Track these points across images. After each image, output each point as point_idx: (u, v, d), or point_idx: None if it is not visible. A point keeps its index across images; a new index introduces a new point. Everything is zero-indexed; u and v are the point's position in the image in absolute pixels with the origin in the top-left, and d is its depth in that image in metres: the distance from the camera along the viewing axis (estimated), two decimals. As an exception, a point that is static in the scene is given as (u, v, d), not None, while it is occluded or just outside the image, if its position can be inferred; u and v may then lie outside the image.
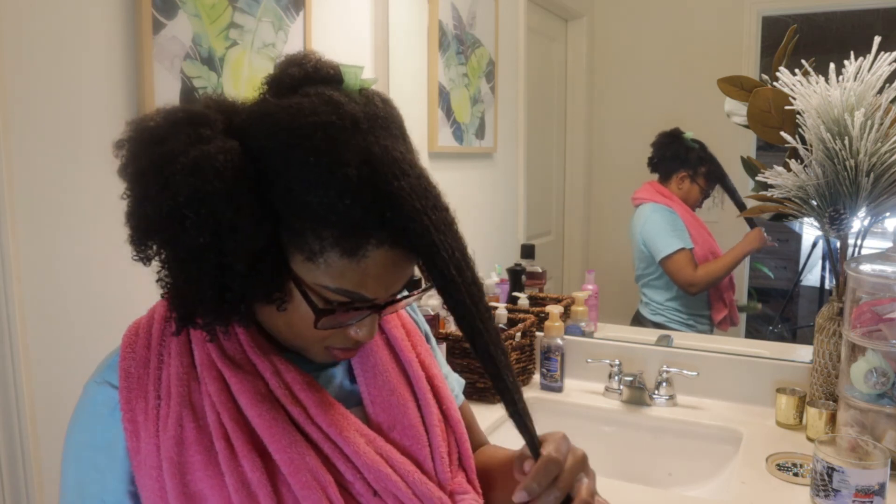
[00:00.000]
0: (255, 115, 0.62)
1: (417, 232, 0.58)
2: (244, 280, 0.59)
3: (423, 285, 0.74)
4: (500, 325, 1.66)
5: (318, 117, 0.58)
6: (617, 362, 1.63)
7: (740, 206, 1.90)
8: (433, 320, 1.62)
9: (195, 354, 0.67)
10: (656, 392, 1.59)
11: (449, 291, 0.61)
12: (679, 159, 1.97)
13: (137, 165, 0.60)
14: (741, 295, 2.01)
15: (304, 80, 0.63)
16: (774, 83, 1.42)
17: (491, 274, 1.94)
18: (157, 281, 0.62)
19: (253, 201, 0.59)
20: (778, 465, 1.28)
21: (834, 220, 1.34)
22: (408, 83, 1.83)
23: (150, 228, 0.59)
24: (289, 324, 0.65)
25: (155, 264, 0.62)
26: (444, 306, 0.62)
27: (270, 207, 0.60)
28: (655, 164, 2.01)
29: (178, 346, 0.67)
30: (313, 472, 0.63)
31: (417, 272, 0.66)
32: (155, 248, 0.61)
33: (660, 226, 1.98)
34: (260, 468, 0.62)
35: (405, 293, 0.69)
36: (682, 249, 1.91)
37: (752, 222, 1.89)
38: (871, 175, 1.29)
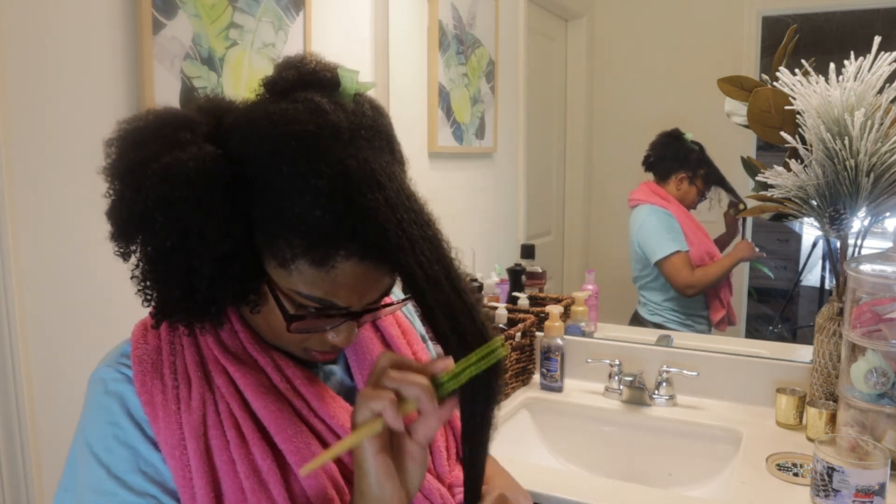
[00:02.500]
0: (240, 119, 0.63)
1: (388, 248, 0.57)
2: (212, 283, 0.60)
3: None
4: (500, 325, 1.66)
5: (298, 126, 0.58)
6: (617, 362, 1.63)
7: (740, 202, 1.90)
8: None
9: (202, 348, 0.68)
10: (656, 392, 1.59)
11: (424, 307, 0.59)
12: (679, 160, 1.97)
13: (117, 166, 0.61)
14: (741, 293, 2.01)
15: (299, 83, 0.63)
16: (774, 83, 1.42)
17: (491, 274, 1.94)
18: (132, 278, 0.63)
19: (224, 207, 0.59)
20: (778, 465, 1.28)
21: (834, 220, 1.34)
22: (408, 83, 1.83)
23: (125, 228, 0.61)
24: (268, 323, 0.66)
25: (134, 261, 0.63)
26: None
27: (246, 212, 0.60)
28: (653, 163, 2.01)
29: (189, 338, 0.68)
30: None
31: None
32: (134, 245, 0.62)
33: (655, 228, 1.98)
34: (270, 456, 0.63)
35: (394, 300, 0.69)
36: (678, 252, 1.91)
37: (733, 229, 1.92)
38: (871, 175, 1.29)
